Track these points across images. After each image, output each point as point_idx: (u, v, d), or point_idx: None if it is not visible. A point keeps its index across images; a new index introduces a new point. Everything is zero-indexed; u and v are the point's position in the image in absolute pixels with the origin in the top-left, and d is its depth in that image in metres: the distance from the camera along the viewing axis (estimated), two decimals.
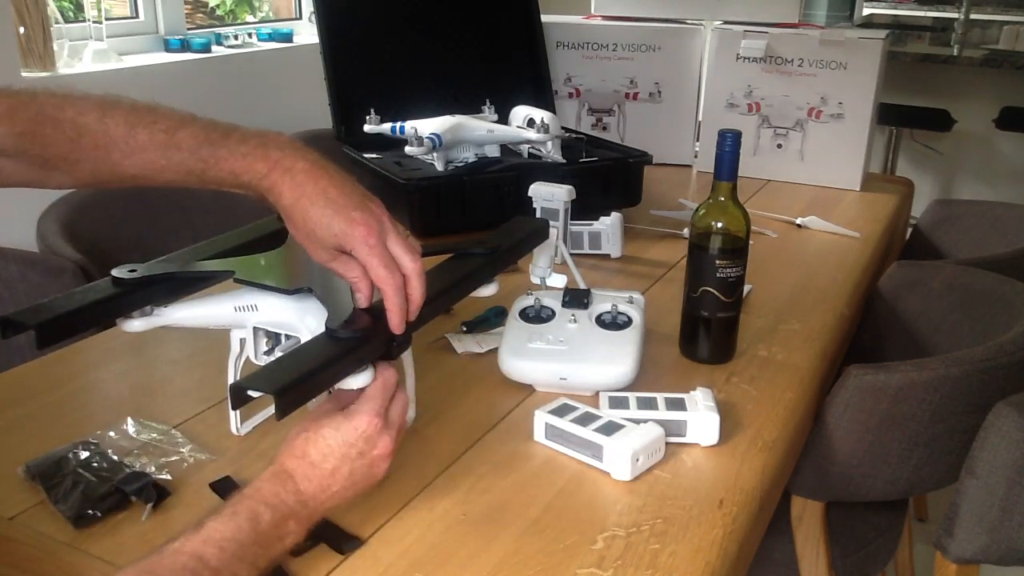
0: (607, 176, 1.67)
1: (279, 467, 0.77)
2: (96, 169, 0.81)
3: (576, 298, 1.12)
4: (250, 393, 0.74)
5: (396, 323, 0.84)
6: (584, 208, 1.46)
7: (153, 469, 0.90)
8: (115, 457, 0.90)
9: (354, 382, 0.82)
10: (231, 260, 0.97)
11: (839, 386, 1.13)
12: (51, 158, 0.79)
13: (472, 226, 1.44)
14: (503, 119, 1.75)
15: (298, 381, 0.75)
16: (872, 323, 1.49)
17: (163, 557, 0.67)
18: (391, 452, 0.81)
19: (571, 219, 1.43)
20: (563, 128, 1.72)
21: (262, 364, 0.92)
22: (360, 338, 0.81)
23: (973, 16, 4.27)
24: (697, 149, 2.12)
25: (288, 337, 0.91)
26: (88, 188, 0.84)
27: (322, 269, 0.85)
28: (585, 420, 0.94)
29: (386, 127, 1.63)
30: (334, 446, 0.78)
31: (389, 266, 0.82)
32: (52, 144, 0.78)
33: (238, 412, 0.97)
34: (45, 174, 0.81)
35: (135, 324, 0.90)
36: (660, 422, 0.95)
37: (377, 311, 0.84)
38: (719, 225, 1.10)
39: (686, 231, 1.29)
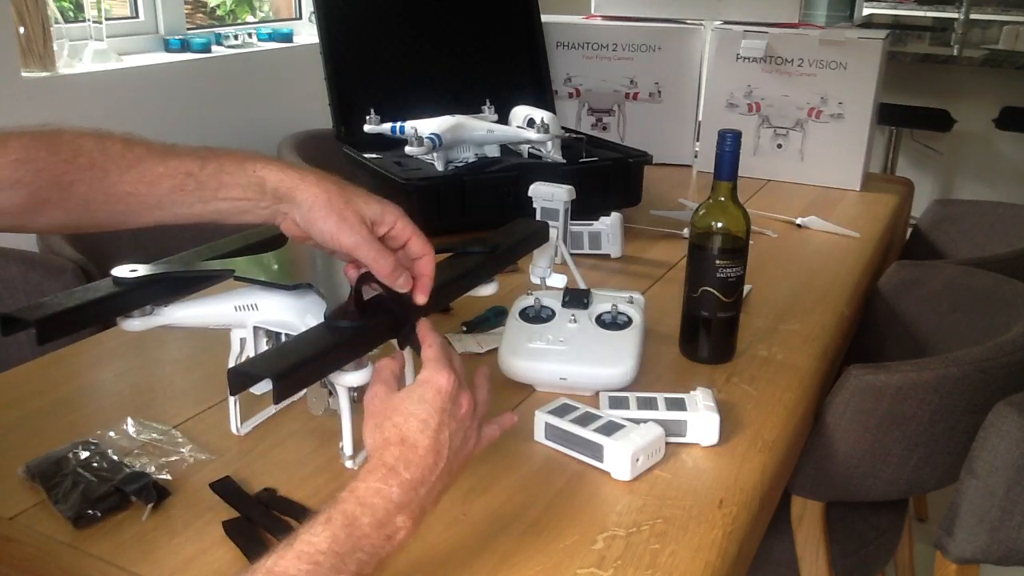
0: (607, 176, 1.67)
1: (376, 462, 0.71)
2: (88, 193, 0.78)
3: (576, 298, 1.12)
4: (252, 390, 0.75)
5: (426, 293, 0.86)
6: (584, 208, 1.46)
7: (153, 469, 0.90)
8: (115, 457, 0.90)
9: (352, 378, 0.82)
10: (231, 260, 0.97)
11: (839, 386, 1.13)
12: (43, 185, 0.76)
13: (472, 226, 1.44)
14: (503, 119, 1.75)
15: (296, 367, 0.75)
16: (872, 323, 1.49)
17: None
18: (474, 410, 0.76)
19: (571, 219, 1.43)
20: (563, 128, 1.72)
21: None
22: (358, 327, 0.82)
23: (973, 16, 4.27)
24: (697, 149, 2.12)
25: (288, 337, 0.91)
26: (72, 227, 0.80)
27: (323, 268, 0.86)
28: (585, 420, 0.94)
29: (386, 127, 1.63)
30: (425, 417, 0.72)
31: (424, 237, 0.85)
32: (45, 168, 0.76)
33: (238, 412, 0.97)
34: (33, 208, 0.77)
35: (135, 324, 0.90)
36: (660, 422, 0.95)
37: (378, 305, 0.85)
38: (719, 225, 1.10)
39: (686, 231, 1.29)
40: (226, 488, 0.88)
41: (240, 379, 0.75)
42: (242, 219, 0.84)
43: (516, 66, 1.96)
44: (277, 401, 0.74)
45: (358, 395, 0.91)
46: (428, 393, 0.74)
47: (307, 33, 3.08)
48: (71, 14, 2.46)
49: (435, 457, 0.72)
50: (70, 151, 0.77)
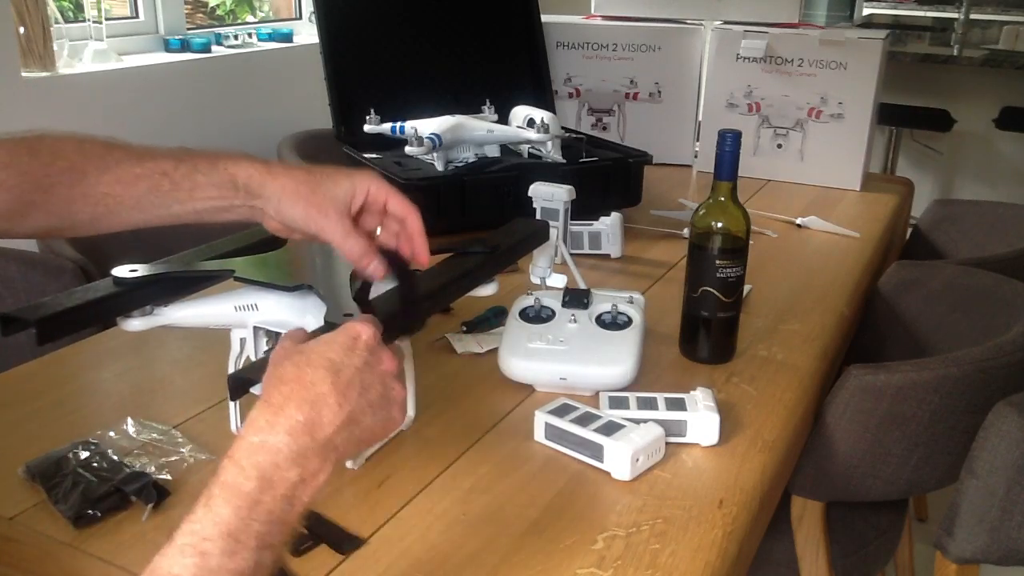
0: (607, 176, 1.67)
1: (261, 406, 0.62)
2: (69, 195, 0.79)
3: (576, 298, 1.12)
4: (252, 390, 0.75)
5: (423, 251, 0.87)
6: (584, 208, 1.46)
7: (153, 469, 0.90)
8: (115, 457, 0.90)
9: None
10: (231, 260, 0.97)
11: (839, 386, 1.13)
12: (26, 189, 0.77)
13: (472, 226, 1.44)
14: (503, 119, 1.75)
15: None
16: (872, 323, 1.49)
17: None
18: (399, 371, 0.68)
19: (571, 219, 1.43)
20: (563, 128, 1.72)
21: None
22: None
23: (973, 16, 4.27)
24: (697, 149, 2.12)
25: None
26: (57, 231, 0.81)
27: (323, 269, 0.86)
28: (585, 420, 0.94)
29: (386, 127, 1.63)
30: (332, 357, 0.64)
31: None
32: (27, 171, 0.77)
33: (238, 412, 0.97)
34: (18, 211, 0.78)
35: (135, 324, 0.90)
36: (660, 422, 0.95)
37: (378, 302, 0.85)
38: (719, 225, 1.10)
39: (686, 231, 1.29)
40: None
41: (240, 385, 0.75)
42: (222, 217, 0.84)
43: (516, 66, 1.96)
44: None
45: None
46: (341, 336, 0.66)
47: (307, 33, 3.08)
48: (71, 14, 2.46)
49: (338, 398, 0.62)
50: (50, 154, 0.79)
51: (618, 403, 1.00)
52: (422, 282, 0.94)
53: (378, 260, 0.85)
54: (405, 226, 0.87)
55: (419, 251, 0.87)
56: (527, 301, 1.13)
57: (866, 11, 4.84)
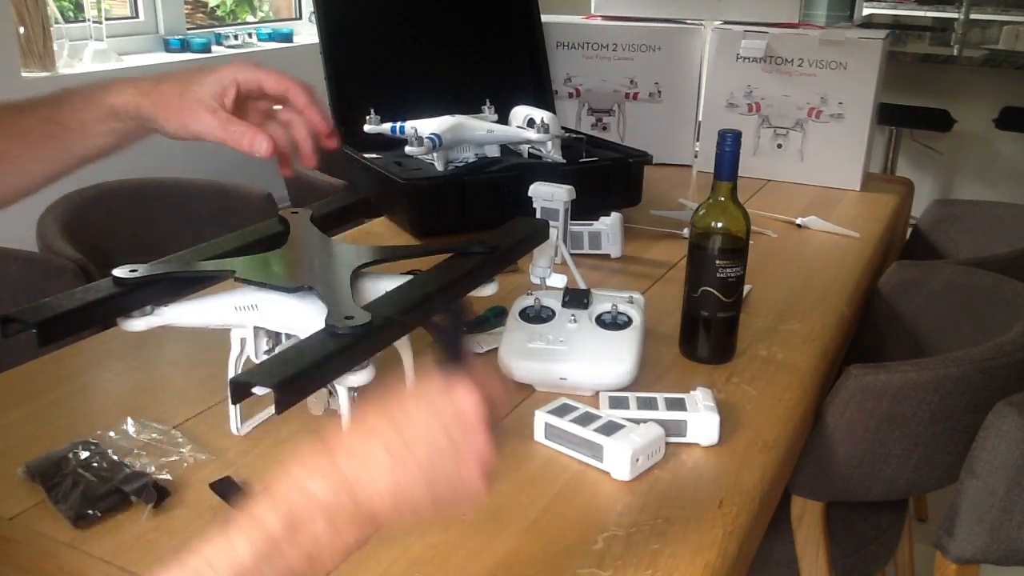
0: (607, 176, 1.67)
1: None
2: None
3: (576, 298, 1.12)
4: (253, 390, 0.75)
5: (320, 121, 0.86)
6: (584, 208, 1.46)
7: (153, 469, 0.90)
8: (115, 457, 0.90)
9: (353, 379, 0.82)
10: (231, 260, 0.97)
11: (839, 386, 1.13)
12: None
13: (472, 226, 1.44)
14: (503, 119, 1.75)
15: (298, 376, 0.75)
16: (872, 323, 1.49)
17: None
18: (489, 460, 0.60)
19: (571, 219, 1.43)
20: (563, 128, 1.72)
21: None
22: (360, 333, 0.82)
23: (973, 16, 4.27)
24: (697, 149, 2.12)
25: (289, 336, 0.91)
26: None
27: (323, 268, 0.86)
28: (585, 420, 0.94)
29: (386, 127, 1.63)
30: (421, 427, 0.59)
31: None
32: None
33: (238, 412, 0.97)
34: None
35: (135, 324, 0.90)
36: (660, 422, 0.95)
37: (382, 309, 0.85)
38: (719, 225, 1.10)
39: (686, 231, 1.29)
40: (226, 488, 0.87)
41: (242, 388, 0.75)
42: (126, 144, 0.84)
43: (516, 66, 1.96)
44: (280, 411, 0.74)
45: (358, 394, 0.91)
46: (436, 401, 0.60)
47: (307, 33, 3.08)
48: (71, 14, 2.46)
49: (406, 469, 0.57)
50: None
51: (618, 403, 1.00)
52: (422, 282, 0.95)
53: (261, 136, 0.83)
54: (290, 103, 0.86)
55: (314, 123, 0.86)
56: (527, 301, 1.13)
57: (866, 11, 4.84)
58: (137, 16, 2.63)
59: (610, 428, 0.93)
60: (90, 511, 0.83)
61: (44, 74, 2.19)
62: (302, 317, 0.88)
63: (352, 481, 0.56)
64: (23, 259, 1.53)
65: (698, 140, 2.11)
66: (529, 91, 1.93)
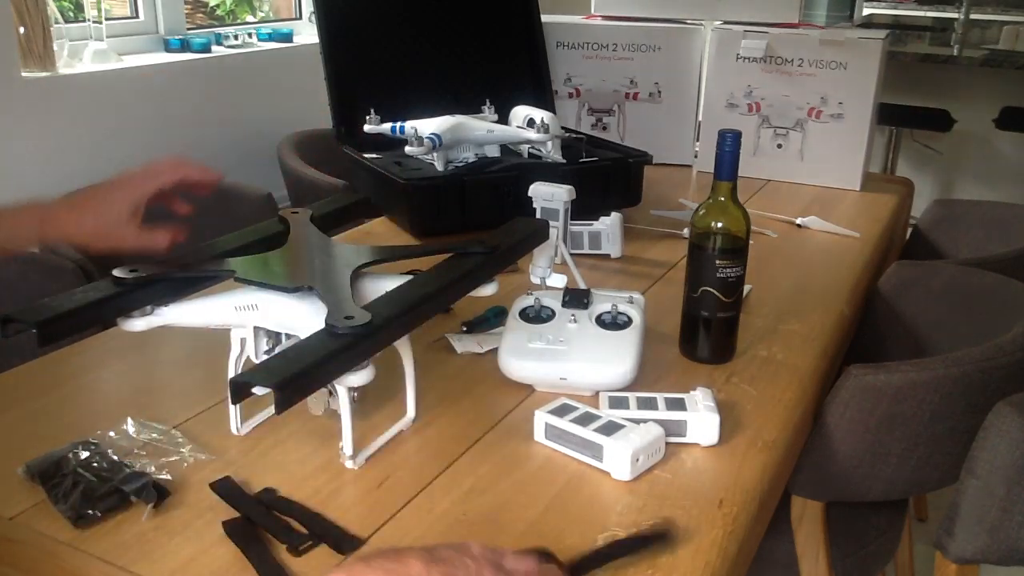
0: (607, 176, 1.67)
1: None
2: None
3: (576, 298, 1.12)
4: (253, 390, 0.75)
5: (197, 174, 0.98)
6: (584, 208, 1.46)
7: (153, 469, 0.90)
8: (115, 457, 0.90)
9: (353, 379, 0.82)
10: (232, 260, 0.97)
11: (839, 386, 1.13)
12: None
13: (472, 226, 1.44)
14: (503, 119, 1.75)
15: (298, 375, 0.75)
16: (872, 323, 1.49)
17: None
18: None
19: (571, 219, 1.43)
20: (563, 128, 1.72)
21: None
22: (360, 332, 0.82)
23: (973, 16, 4.27)
24: (697, 149, 2.12)
25: (289, 336, 0.91)
26: None
27: (323, 268, 0.86)
28: (585, 420, 0.94)
29: (386, 127, 1.63)
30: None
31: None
32: None
33: (238, 412, 0.97)
34: None
35: (136, 324, 0.90)
36: (660, 422, 0.95)
37: (382, 310, 0.84)
38: (719, 225, 1.10)
39: (686, 231, 1.29)
40: (226, 488, 0.88)
41: (242, 388, 0.75)
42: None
43: (516, 66, 1.96)
44: (280, 411, 0.74)
45: (358, 395, 0.91)
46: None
47: (307, 33, 3.08)
48: (71, 14, 2.46)
49: None
50: None
51: (618, 403, 1.00)
52: (422, 282, 0.94)
53: (160, 233, 0.96)
54: (179, 184, 0.98)
55: (197, 179, 0.99)
56: (527, 301, 1.13)
57: (866, 11, 4.84)
58: (137, 16, 2.63)
59: (610, 428, 0.93)
60: (90, 511, 0.83)
61: (44, 74, 2.19)
62: (302, 317, 0.88)
63: None
64: (23, 259, 1.53)
65: (698, 140, 2.11)
66: (529, 91, 1.93)
